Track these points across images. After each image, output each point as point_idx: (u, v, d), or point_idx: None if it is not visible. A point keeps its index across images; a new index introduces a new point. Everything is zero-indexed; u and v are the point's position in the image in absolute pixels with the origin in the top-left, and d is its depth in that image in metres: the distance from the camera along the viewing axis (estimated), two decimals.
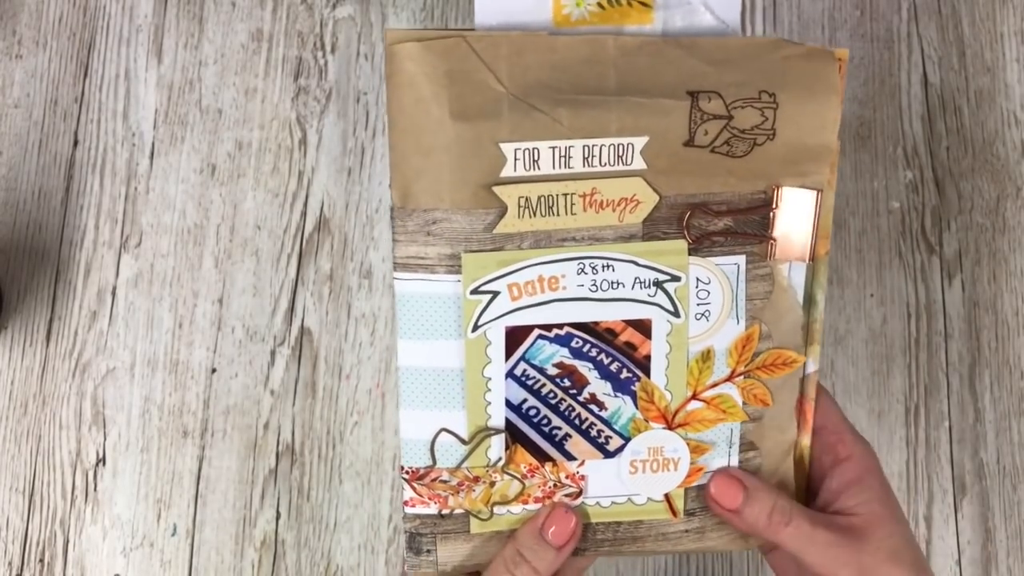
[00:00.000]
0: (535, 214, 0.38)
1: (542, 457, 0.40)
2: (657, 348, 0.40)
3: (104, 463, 0.66)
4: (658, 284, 0.39)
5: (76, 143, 0.71)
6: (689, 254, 0.39)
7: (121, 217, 0.69)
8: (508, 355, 0.39)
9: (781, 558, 0.43)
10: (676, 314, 0.39)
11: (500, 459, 0.40)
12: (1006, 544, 0.65)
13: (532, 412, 0.40)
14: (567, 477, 0.40)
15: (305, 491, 0.66)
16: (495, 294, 0.38)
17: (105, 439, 0.67)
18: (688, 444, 0.40)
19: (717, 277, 0.40)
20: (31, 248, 0.69)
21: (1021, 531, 0.65)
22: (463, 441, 0.40)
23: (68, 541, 0.65)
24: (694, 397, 0.40)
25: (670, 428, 0.40)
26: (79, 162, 0.70)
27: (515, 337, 0.39)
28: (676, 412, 0.40)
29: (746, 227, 0.39)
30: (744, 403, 0.41)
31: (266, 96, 0.71)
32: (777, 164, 0.39)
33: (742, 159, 0.39)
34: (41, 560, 0.65)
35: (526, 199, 0.38)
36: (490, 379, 0.39)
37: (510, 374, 0.39)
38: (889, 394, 0.67)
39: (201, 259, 0.69)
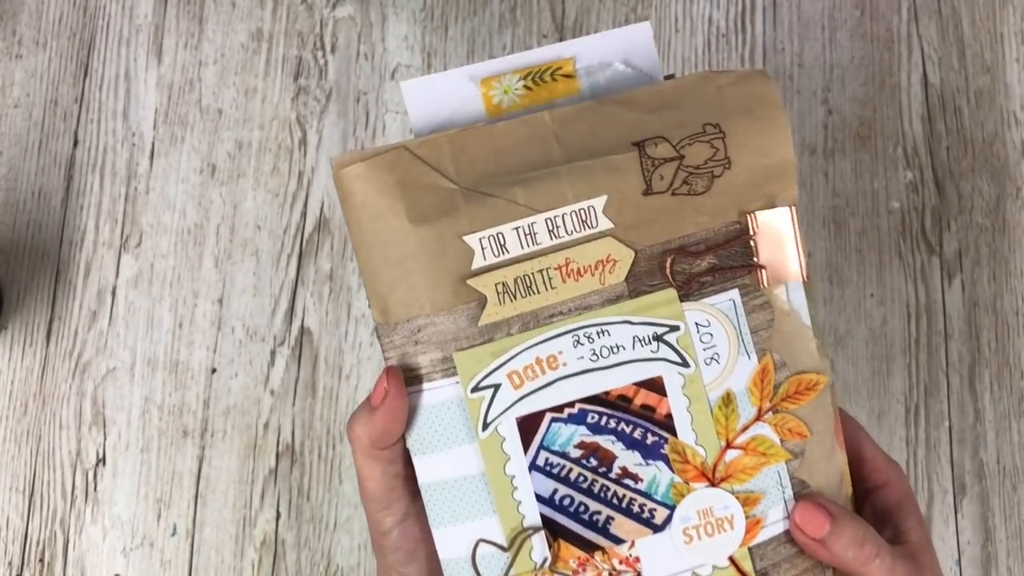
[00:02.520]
0: (515, 297, 0.37)
1: (589, 547, 0.38)
2: (676, 404, 0.38)
3: (104, 463, 0.66)
4: (658, 338, 0.38)
5: (76, 143, 0.71)
6: (681, 300, 0.38)
7: (121, 217, 0.70)
8: (526, 447, 0.38)
9: None
10: (685, 364, 0.38)
11: (546, 559, 0.37)
12: (1006, 544, 0.65)
13: (566, 501, 0.38)
14: (621, 563, 0.38)
15: (305, 491, 0.66)
16: (496, 387, 0.37)
17: (105, 439, 0.67)
18: (738, 498, 0.38)
19: (716, 317, 0.38)
20: (31, 248, 0.69)
21: (1021, 531, 0.65)
22: (503, 548, 0.37)
23: (68, 541, 0.65)
24: (729, 446, 0.38)
25: (714, 485, 0.38)
26: (79, 162, 0.70)
27: (528, 426, 0.37)
28: (715, 466, 0.38)
29: (730, 260, 0.39)
30: (782, 440, 0.39)
31: (266, 96, 0.71)
32: (742, 191, 0.38)
33: (705, 195, 0.38)
34: (41, 560, 0.65)
35: (503, 284, 0.37)
36: (514, 476, 0.38)
37: (533, 466, 0.38)
38: (889, 394, 0.67)
39: (201, 259, 0.69)
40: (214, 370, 0.68)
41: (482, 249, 0.37)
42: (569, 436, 0.38)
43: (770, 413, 0.39)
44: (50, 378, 0.67)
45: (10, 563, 0.65)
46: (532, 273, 0.37)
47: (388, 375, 0.36)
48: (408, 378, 0.37)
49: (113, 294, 0.69)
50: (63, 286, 0.69)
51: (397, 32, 0.72)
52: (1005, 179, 0.69)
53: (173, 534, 0.65)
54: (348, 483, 0.66)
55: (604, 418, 0.38)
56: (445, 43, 0.72)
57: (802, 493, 0.39)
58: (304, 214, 0.69)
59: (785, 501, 0.39)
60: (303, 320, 0.68)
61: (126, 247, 0.69)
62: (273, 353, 0.68)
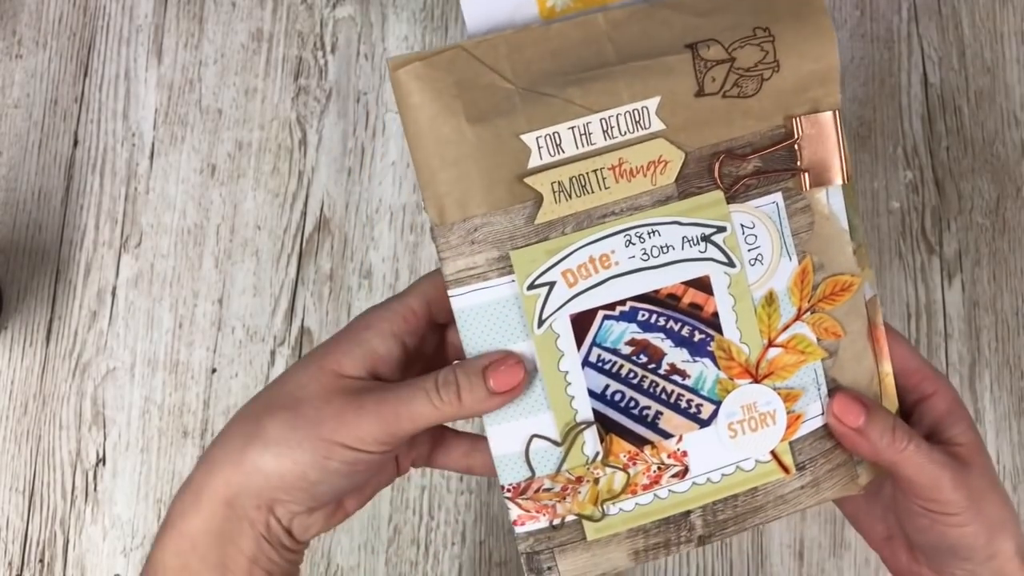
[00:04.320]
0: (571, 196, 0.38)
1: (639, 442, 0.39)
2: (722, 303, 0.39)
3: (104, 463, 0.66)
4: (706, 239, 0.39)
5: (76, 143, 0.71)
6: (727, 202, 0.39)
7: (121, 217, 0.70)
8: (579, 344, 0.39)
9: (864, 499, 0.43)
10: (731, 264, 0.39)
11: (598, 453, 0.39)
12: None
13: (617, 397, 0.39)
14: (669, 456, 0.39)
15: None
16: (551, 284, 0.38)
17: (105, 439, 0.67)
18: (779, 394, 0.40)
19: (760, 219, 0.39)
20: (31, 248, 0.69)
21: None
22: (556, 443, 0.39)
23: (68, 541, 0.65)
24: (771, 344, 0.40)
25: (757, 381, 0.40)
26: (79, 162, 0.70)
27: (581, 324, 0.38)
28: (758, 363, 0.40)
29: (775, 164, 0.40)
30: (818, 339, 0.40)
31: (266, 96, 0.71)
32: (789, 95, 0.39)
33: (754, 98, 0.39)
34: (41, 560, 0.65)
35: (559, 183, 0.38)
36: (567, 372, 0.38)
37: (586, 362, 0.39)
38: None
39: (201, 259, 0.69)
40: (214, 370, 0.68)
41: (539, 148, 0.38)
42: (620, 333, 0.39)
43: (808, 313, 0.40)
44: (50, 378, 0.67)
45: (10, 563, 0.65)
46: (587, 173, 0.38)
47: (518, 367, 0.37)
48: (464, 277, 0.38)
49: (113, 294, 0.69)
50: (63, 286, 0.69)
51: (397, 32, 0.72)
52: (1005, 179, 0.69)
53: None
54: None
55: (654, 316, 0.39)
56: (445, 43, 0.72)
57: (834, 389, 0.40)
58: (304, 214, 0.69)
59: (821, 398, 0.40)
60: (303, 320, 0.68)
61: (126, 247, 0.69)
62: (273, 353, 0.68)
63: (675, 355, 0.39)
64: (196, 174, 0.70)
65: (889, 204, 0.69)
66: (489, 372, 0.37)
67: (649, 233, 0.38)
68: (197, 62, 0.72)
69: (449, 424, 0.41)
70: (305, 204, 0.70)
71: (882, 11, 0.72)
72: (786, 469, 0.40)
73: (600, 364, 0.39)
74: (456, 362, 0.38)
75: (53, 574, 0.65)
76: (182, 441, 0.67)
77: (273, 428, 0.36)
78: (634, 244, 0.38)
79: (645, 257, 0.39)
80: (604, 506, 0.39)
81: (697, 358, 0.39)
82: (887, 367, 0.41)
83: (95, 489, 0.66)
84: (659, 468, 0.39)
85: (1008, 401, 0.66)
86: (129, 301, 0.68)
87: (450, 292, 0.38)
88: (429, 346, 0.42)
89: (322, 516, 0.39)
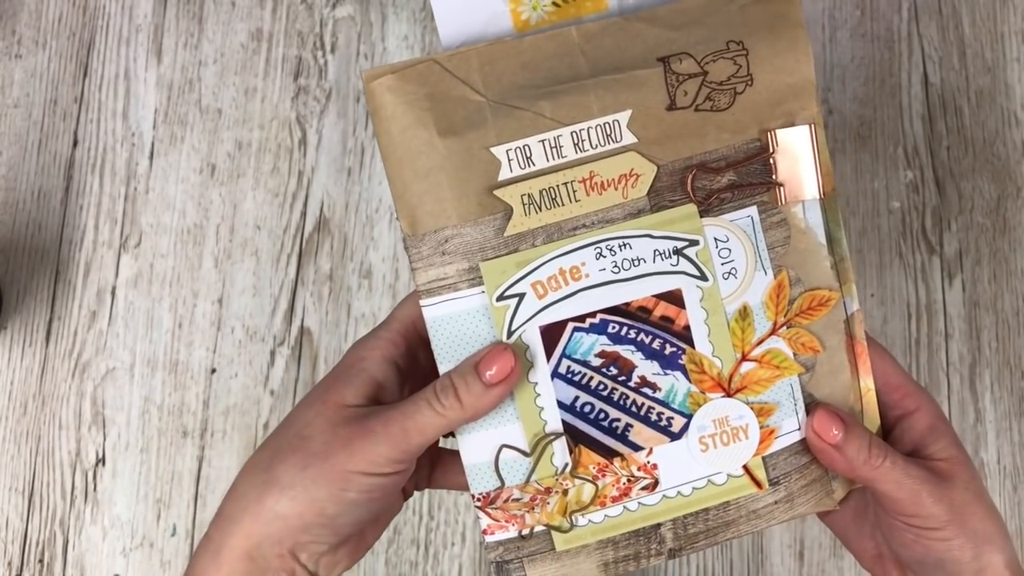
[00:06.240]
0: (540, 208, 0.38)
1: (608, 454, 0.39)
2: (694, 316, 0.39)
3: (104, 463, 0.66)
4: (678, 252, 0.39)
5: (76, 143, 0.71)
6: (701, 216, 0.39)
7: (121, 217, 0.69)
8: (548, 355, 0.39)
9: (852, 518, 0.43)
10: (703, 278, 0.39)
11: (567, 464, 0.39)
12: None
13: (587, 408, 0.39)
14: (639, 469, 0.39)
15: None
16: (521, 296, 0.38)
17: (105, 439, 0.67)
18: (752, 408, 0.40)
19: (734, 233, 0.39)
20: (31, 248, 0.69)
21: (1021, 531, 0.65)
22: (525, 454, 0.39)
23: (68, 541, 0.65)
24: (744, 359, 0.40)
25: (729, 395, 0.40)
26: (79, 162, 0.70)
27: (551, 335, 0.39)
28: (731, 377, 0.39)
29: (750, 178, 0.39)
30: (795, 354, 0.40)
31: (266, 96, 0.71)
32: (763, 109, 0.39)
33: (728, 111, 0.39)
34: (41, 560, 0.65)
35: (528, 196, 0.38)
36: (536, 383, 0.39)
37: (555, 374, 0.39)
38: None
39: (201, 259, 0.69)
40: (214, 370, 0.67)
41: (508, 161, 0.38)
42: (590, 345, 0.39)
43: (784, 328, 0.40)
44: (50, 378, 0.67)
45: (9, 563, 0.65)
46: (557, 185, 0.38)
47: (512, 356, 0.37)
48: (435, 288, 0.38)
49: (113, 294, 0.68)
50: (63, 286, 0.69)
51: (397, 32, 0.72)
52: (1006, 179, 0.69)
53: (173, 534, 0.65)
54: None
55: (624, 328, 0.39)
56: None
57: (812, 404, 0.40)
58: (304, 214, 0.69)
59: (797, 413, 0.40)
60: (303, 320, 0.68)
61: (126, 247, 0.69)
62: (273, 353, 0.68)
63: (645, 368, 0.39)
64: (196, 174, 0.70)
65: (889, 204, 0.69)
66: (481, 366, 0.37)
67: (620, 246, 0.39)
68: (197, 62, 0.71)
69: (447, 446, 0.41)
70: (305, 204, 0.70)
71: (882, 11, 0.72)
72: (759, 484, 0.40)
73: (570, 376, 0.39)
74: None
75: (53, 574, 0.65)
76: (182, 441, 0.66)
77: (285, 472, 0.36)
78: (605, 257, 0.39)
79: (616, 270, 0.39)
80: (573, 517, 0.39)
81: (668, 371, 0.39)
82: (869, 383, 0.41)
83: (95, 489, 0.66)
84: (629, 480, 0.39)
85: (1009, 401, 0.66)
86: (129, 301, 0.68)
87: (422, 302, 0.38)
88: (425, 366, 0.42)
89: (346, 552, 0.39)
